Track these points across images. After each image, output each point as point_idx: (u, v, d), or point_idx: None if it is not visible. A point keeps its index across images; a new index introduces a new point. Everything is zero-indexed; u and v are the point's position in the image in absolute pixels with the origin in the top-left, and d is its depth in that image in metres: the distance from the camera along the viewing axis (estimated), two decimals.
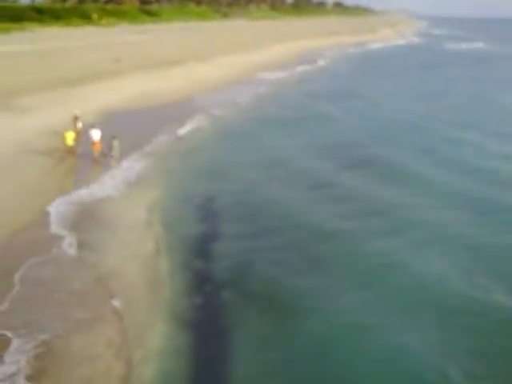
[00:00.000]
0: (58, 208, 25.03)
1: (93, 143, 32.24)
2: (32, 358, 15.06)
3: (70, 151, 31.97)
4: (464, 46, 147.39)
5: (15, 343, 15.61)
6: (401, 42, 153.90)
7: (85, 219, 24.28)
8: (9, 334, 16.02)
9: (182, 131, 40.96)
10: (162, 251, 21.87)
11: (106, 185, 28.65)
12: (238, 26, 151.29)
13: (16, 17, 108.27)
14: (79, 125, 37.19)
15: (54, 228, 23.10)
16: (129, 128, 39.97)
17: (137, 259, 21.10)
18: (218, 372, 15.51)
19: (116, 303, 17.95)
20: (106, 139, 32.21)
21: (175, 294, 18.93)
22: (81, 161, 32.19)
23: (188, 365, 15.65)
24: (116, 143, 31.41)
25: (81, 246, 21.63)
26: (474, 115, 51.37)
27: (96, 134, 32.28)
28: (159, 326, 17.12)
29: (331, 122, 47.25)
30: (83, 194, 27.18)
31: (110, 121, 40.58)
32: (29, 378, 14.34)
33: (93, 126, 33.51)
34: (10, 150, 32.33)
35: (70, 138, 31.93)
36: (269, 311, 18.07)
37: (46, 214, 24.33)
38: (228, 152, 36.71)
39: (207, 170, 32.16)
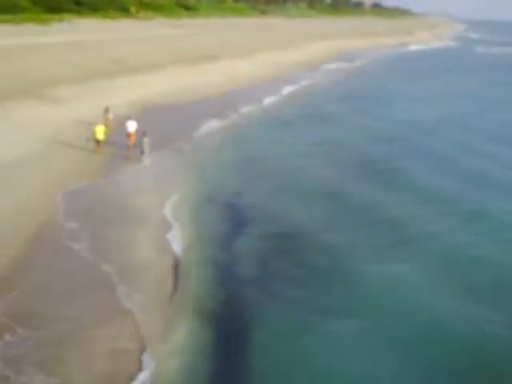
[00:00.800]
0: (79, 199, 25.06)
1: (128, 134, 32.60)
2: None
3: (100, 145, 31.64)
4: (497, 50, 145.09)
5: None
6: (436, 44, 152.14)
7: (108, 212, 24.24)
8: None
9: (213, 127, 40.80)
10: (190, 246, 21.86)
11: (135, 178, 28.83)
12: (275, 24, 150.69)
13: (55, 8, 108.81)
14: (110, 116, 37.49)
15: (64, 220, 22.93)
16: (161, 122, 39.80)
17: (163, 254, 21.06)
18: (238, 367, 15.53)
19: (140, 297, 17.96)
20: (138, 134, 32.11)
21: (201, 289, 19.01)
22: (111, 153, 32.00)
23: (210, 359, 15.67)
24: (146, 139, 30.99)
25: (96, 239, 21.46)
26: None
27: (132, 126, 32.74)
28: (183, 321, 17.12)
29: (365, 120, 47.06)
30: (110, 186, 27.34)
31: (144, 114, 40.24)
32: None
33: (129, 118, 33.74)
34: (43, 140, 32.38)
35: (99, 131, 31.58)
36: (292, 310, 17.92)
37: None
38: (259, 148, 36.78)
39: (241, 166, 32.23)
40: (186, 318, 17.31)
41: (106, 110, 38.17)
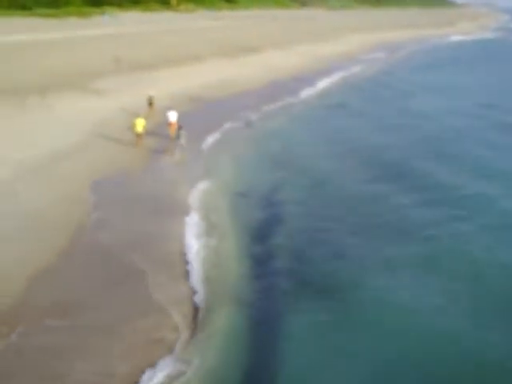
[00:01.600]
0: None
1: (169, 124, 33.14)
2: None
3: (140, 137, 31.59)
4: None
5: None
6: (479, 35, 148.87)
7: (142, 204, 24.38)
8: None
9: (254, 118, 40.68)
10: (226, 236, 21.93)
11: (173, 169, 28.91)
12: (315, 15, 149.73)
13: (97, 1, 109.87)
14: (153, 106, 38.18)
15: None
16: (201, 115, 39.77)
17: (201, 243, 21.07)
18: (272, 357, 15.48)
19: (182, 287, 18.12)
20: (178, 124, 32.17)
21: (237, 278, 19.05)
22: (152, 144, 32.05)
23: (246, 347, 15.72)
24: (183, 133, 30.82)
25: (123, 230, 21.65)
26: None
27: (173, 116, 33.25)
28: (221, 309, 17.17)
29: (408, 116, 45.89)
30: (147, 177, 27.49)
31: (185, 106, 40.13)
32: None
33: (170, 108, 34.09)
34: (85, 132, 32.74)
35: (139, 124, 31.48)
36: (327, 300, 17.92)
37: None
38: (298, 142, 36.23)
39: (276, 160, 31.84)
40: (219, 307, 17.32)
41: (150, 100, 38.90)
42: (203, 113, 40.71)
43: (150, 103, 39.47)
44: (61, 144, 29.89)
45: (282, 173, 29.61)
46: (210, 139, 34.47)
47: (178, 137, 31.07)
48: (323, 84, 56.60)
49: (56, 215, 22.10)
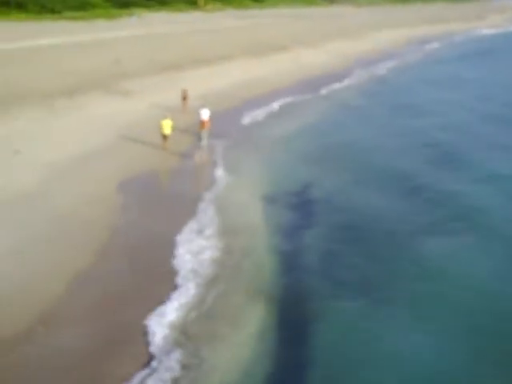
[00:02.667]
0: None
1: (202, 122, 32.80)
2: None
3: (167, 139, 30.98)
4: None
5: None
6: (509, 29, 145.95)
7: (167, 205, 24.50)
8: None
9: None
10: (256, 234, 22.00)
11: (199, 171, 29.10)
12: (342, 13, 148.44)
13: (125, 3, 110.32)
14: (187, 100, 38.86)
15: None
16: (230, 114, 39.62)
17: (235, 240, 21.28)
18: (303, 354, 15.33)
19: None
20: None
21: (269, 275, 19.12)
22: (182, 143, 31.65)
23: (276, 344, 15.74)
24: (205, 134, 30.32)
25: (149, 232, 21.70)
26: None
27: (205, 114, 33.01)
28: (251, 306, 17.28)
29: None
30: (174, 178, 28.07)
31: (214, 106, 39.83)
32: None
33: (203, 106, 33.96)
34: (113, 133, 32.72)
35: (167, 126, 30.94)
36: (357, 300, 17.71)
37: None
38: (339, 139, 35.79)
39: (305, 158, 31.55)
40: (255, 301, 17.45)
41: (184, 94, 39.53)
42: (232, 112, 40.50)
43: (184, 97, 39.67)
44: (89, 146, 29.95)
45: (315, 168, 29.54)
46: (241, 137, 34.47)
47: (200, 138, 30.67)
48: (352, 81, 56.18)
49: (87, 216, 22.18)
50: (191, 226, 22.13)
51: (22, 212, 21.79)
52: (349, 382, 14.35)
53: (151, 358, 14.58)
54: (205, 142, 30.30)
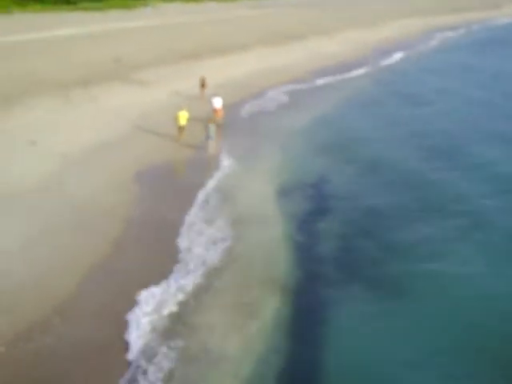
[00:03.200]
0: None
1: (214, 110, 33.51)
2: None
3: (182, 131, 30.75)
4: None
5: None
6: None
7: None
8: None
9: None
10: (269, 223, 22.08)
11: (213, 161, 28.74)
12: (357, 0, 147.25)
13: None
14: (205, 87, 39.37)
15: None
16: (247, 103, 39.56)
17: (248, 229, 21.45)
18: (318, 343, 15.37)
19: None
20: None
21: (286, 265, 19.15)
22: (197, 134, 31.47)
23: (291, 333, 15.75)
24: (212, 127, 29.94)
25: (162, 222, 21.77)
26: None
27: (218, 102, 33.66)
28: (267, 296, 17.27)
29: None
30: (188, 169, 28.23)
31: (231, 95, 39.71)
32: None
33: (215, 95, 34.43)
34: (128, 123, 32.82)
35: (182, 117, 30.69)
36: (374, 290, 17.70)
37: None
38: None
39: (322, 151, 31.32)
40: (272, 291, 17.48)
41: (202, 81, 39.87)
42: (249, 102, 40.61)
43: (203, 84, 39.98)
44: (105, 136, 30.08)
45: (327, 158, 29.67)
46: (257, 127, 34.64)
47: (206, 130, 30.07)
48: (365, 70, 55.91)
49: (103, 206, 22.28)
50: (203, 215, 22.24)
51: (38, 202, 21.89)
52: (362, 371, 14.28)
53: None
54: (213, 133, 29.82)
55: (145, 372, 13.81)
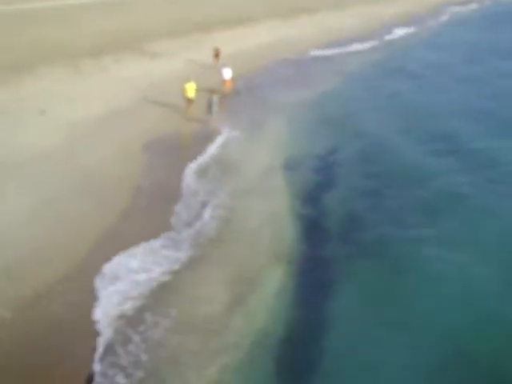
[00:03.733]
0: None
1: (224, 81, 34.18)
2: None
3: (191, 103, 30.55)
4: None
5: None
6: None
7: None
8: None
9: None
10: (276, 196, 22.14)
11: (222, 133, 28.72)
12: None
13: None
14: (219, 57, 39.91)
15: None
16: (258, 76, 39.76)
17: (254, 201, 21.55)
18: (321, 316, 15.37)
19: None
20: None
21: (290, 238, 19.12)
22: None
23: (295, 306, 15.76)
24: (215, 98, 29.57)
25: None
26: None
27: (227, 73, 34.33)
28: (271, 268, 17.34)
29: None
30: (196, 139, 28.04)
31: (242, 67, 39.65)
32: None
33: (225, 65, 34.99)
34: (139, 94, 32.82)
35: (191, 89, 30.43)
36: (377, 264, 17.72)
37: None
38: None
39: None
40: (274, 264, 17.52)
41: (216, 51, 40.46)
42: (260, 74, 40.81)
43: (217, 54, 40.52)
44: (114, 106, 30.09)
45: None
46: (264, 98, 34.80)
47: (208, 104, 29.83)
48: (373, 44, 55.77)
49: (111, 175, 22.39)
50: (208, 187, 22.35)
51: (47, 171, 21.97)
52: (365, 343, 14.38)
53: None
54: (215, 106, 29.51)
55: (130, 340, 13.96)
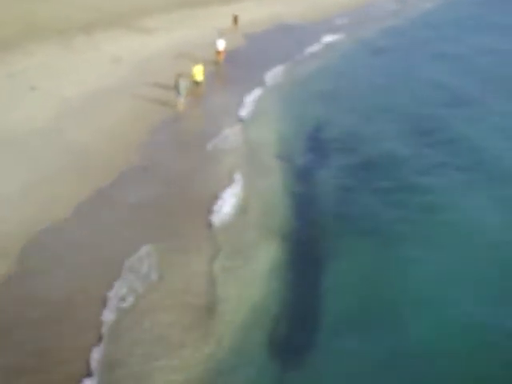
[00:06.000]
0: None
1: (217, 52, 35.23)
2: None
3: (200, 87, 29.84)
4: None
5: None
6: None
7: None
8: None
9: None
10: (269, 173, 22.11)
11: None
12: None
13: None
14: (237, 24, 44.44)
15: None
16: (254, 51, 39.76)
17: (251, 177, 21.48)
18: (313, 292, 15.34)
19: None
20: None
21: (280, 214, 19.13)
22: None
23: (286, 280, 15.74)
24: (183, 81, 27.24)
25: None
26: None
27: (221, 44, 35.26)
28: (264, 243, 17.26)
29: None
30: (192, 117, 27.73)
31: (237, 43, 39.42)
32: None
33: (219, 36, 35.87)
34: (131, 71, 32.49)
35: (198, 73, 29.67)
36: (367, 240, 17.69)
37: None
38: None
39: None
40: (268, 240, 17.44)
41: (235, 18, 44.88)
42: (256, 49, 40.80)
43: (235, 21, 44.80)
44: (106, 83, 29.76)
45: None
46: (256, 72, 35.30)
47: (176, 86, 27.39)
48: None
49: (102, 153, 22.14)
50: (204, 164, 22.25)
51: (38, 146, 21.77)
52: (358, 319, 14.31)
53: None
54: (183, 90, 27.23)
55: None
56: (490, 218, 18.93)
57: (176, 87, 27.26)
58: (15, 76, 28.92)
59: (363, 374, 12.70)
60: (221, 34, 33.61)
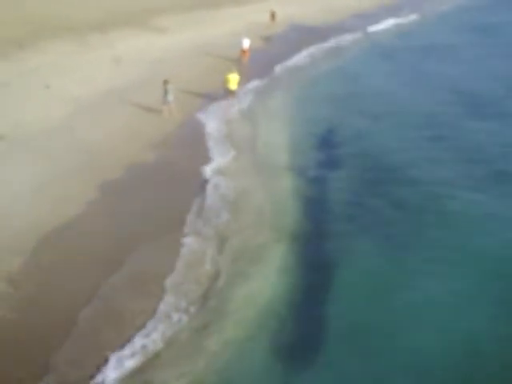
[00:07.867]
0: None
1: (242, 51, 35.91)
2: None
3: (232, 95, 29.43)
4: None
5: None
6: None
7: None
8: None
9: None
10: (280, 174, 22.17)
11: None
12: None
13: None
14: (275, 19, 46.56)
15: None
16: (266, 52, 39.51)
17: (258, 179, 21.51)
18: (322, 294, 15.31)
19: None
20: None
21: (291, 215, 19.11)
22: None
23: (297, 282, 15.72)
24: (170, 86, 26.33)
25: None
26: None
27: (246, 43, 36.08)
28: (274, 244, 17.30)
29: None
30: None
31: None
32: None
33: (244, 35, 36.62)
34: (144, 69, 32.59)
35: (233, 81, 29.14)
36: (379, 243, 17.56)
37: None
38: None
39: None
40: (271, 242, 17.41)
41: (273, 14, 46.68)
42: (268, 50, 40.60)
43: (273, 16, 47.45)
44: (119, 82, 29.85)
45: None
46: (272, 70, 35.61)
47: (164, 93, 26.52)
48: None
49: (114, 152, 22.22)
50: (214, 164, 22.27)
51: (51, 145, 21.91)
52: (367, 322, 14.32)
53: None
54: (171, 95, 26.41)
55: None
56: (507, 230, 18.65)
57: (164, 93, 26.37)
58: (29, 74, 29.11)
59: (369, 379, 12.76)
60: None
